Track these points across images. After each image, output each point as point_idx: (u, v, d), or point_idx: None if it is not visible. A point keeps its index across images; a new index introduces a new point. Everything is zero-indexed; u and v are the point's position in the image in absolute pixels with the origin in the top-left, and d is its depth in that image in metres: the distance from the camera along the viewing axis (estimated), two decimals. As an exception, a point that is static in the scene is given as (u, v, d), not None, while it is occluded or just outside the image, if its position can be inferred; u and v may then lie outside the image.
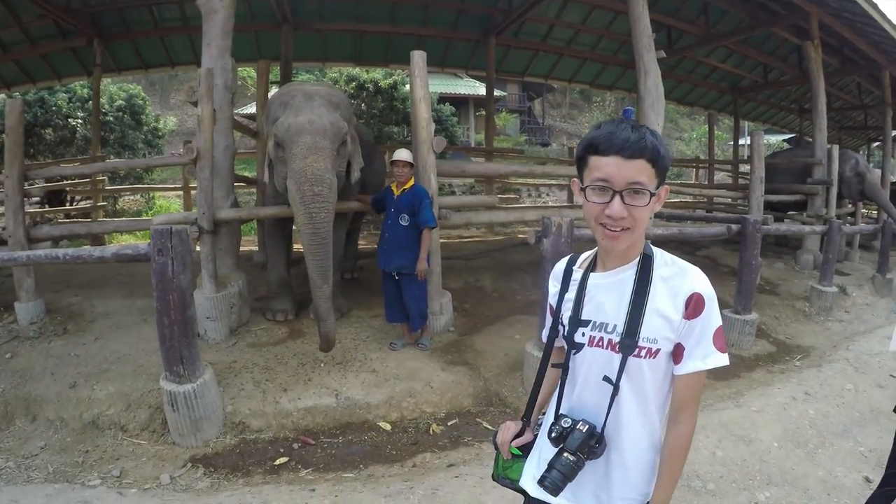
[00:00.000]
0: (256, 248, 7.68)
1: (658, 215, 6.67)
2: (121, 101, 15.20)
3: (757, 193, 7.39)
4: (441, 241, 5.12)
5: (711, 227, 5.71)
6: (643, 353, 1.35)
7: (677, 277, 1.37)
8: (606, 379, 1.39)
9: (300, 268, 7.02)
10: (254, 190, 8.75)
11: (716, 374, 4.83)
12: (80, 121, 14.18)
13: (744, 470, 3.26)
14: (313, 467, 3.43)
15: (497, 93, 19.81)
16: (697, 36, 10.20)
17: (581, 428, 1.38)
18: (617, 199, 1.26)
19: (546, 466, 1.40)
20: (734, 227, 5.28)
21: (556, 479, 1.37)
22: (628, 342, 1.35)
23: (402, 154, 4.64)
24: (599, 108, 29.92)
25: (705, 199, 12.43)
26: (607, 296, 1.41)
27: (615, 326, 1.38)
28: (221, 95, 4.92)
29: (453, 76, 22.46)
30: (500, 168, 8.14)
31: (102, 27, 9.72)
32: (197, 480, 3.29)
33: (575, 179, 1.41)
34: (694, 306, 1.33)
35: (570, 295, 1.48)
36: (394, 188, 4.70)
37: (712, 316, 1.35)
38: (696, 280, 1.35)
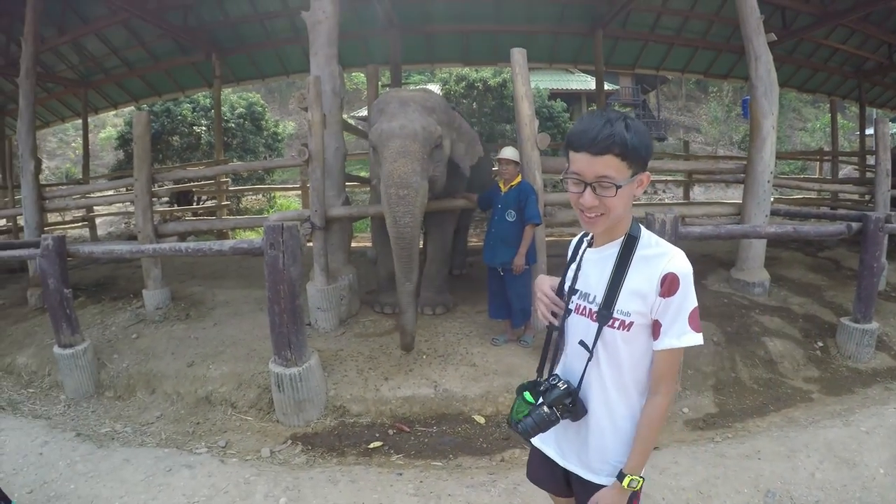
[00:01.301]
0: (371, 245, 8.02)
1: (775, 212, 6.24)
2: (241, 109, 16.40)
3: (883, 188, 6.67)
4: (551, 238, 5.09)
5: (830, 226, 5.24)
6: (616, 324, 1.48)
7: (658, 258, 1.46)
8: (582, 344, 1.55)
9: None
10: (368, 189, 9.14)
11: (828, 388, 4.51)
12: (204, 128, 15.49)
13: (842, 496, 2.98)
14: (404, 453, 3.58)
15: (609, 86, 19.22)
16: (814, 15, 9.35)
17: (560, 385, 1.55)
18: (588, 190, 1.39)
19: (526, 412, 1.58)
20: (854, 225, 4.81)
21: (528, 425, 1.54)
22: (604, 312, 1.48)
23: (508, 152, 4.72)
24: (717, 99, 28.02)
25: (830, 196, 11.44)
26: (594, 269, 1.56)
27: (595, 297, 1.53)
28: (330, 100, 5.21)
29: (564, 71, 22.09)
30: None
31: (219, 42, 10.61)
32: (294, 456, 3.55)
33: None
34: (669, 285, 1.42)
35: (574, 265, 1.64)
36: (501, 185, 4.79)
37: (687, 296, 1.43)
38: (673, 260, 1.44)
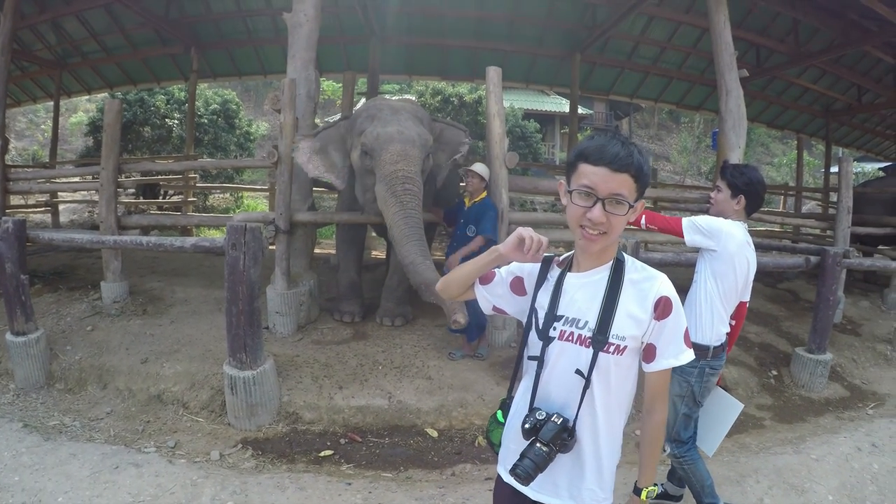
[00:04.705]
0: (335, 252, 7.94)
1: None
2: (216, 105, 16.19)
3: (843, 224, 6.88)
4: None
5: (790, 258, 5.39)
6: (612, 349, 1.47)
7: (647, 282, 1.50)
8: (578, 372, 1.49)
9: (373, 273, 7.25)
10: (335, 195, 9.05)
11: (780, 416, 4.61)
12: (176, 121, 15.20)
13: (791, 522, 3.06)
14: (355, 463, 3.54)
15: (583, 111, 19.46)
16: (787, 55, 9.67)
17: (556, 420, 1.47)
18: (598, 205, 1.39)
19: (519, 456, 1.49)
20: (813, 258, 4.94)
21: (527, 467, 1.46)
22: (600, 338, 1.47)
23: (477, 167, 4.76)
24: (688, 129, 28.80)
25: (792, 229, 11.77)
26: (581, 294, 1.52)
27: (587, 323, 1.49)
28: (304, 104, 5.19)
29: (540, 92, 22.32)
30: (576, 186, 7.96)
31: (199, 36, 10.51)
32: (244, 460, 3.48)
33: (561, 182, 1.53)
34: (662, 308, 1.47)
35: (548, 288, 1.58)
36: (466, 200, 4.82)
37: (679, 317, 1.49)
38: (663, 285, 1.49)
